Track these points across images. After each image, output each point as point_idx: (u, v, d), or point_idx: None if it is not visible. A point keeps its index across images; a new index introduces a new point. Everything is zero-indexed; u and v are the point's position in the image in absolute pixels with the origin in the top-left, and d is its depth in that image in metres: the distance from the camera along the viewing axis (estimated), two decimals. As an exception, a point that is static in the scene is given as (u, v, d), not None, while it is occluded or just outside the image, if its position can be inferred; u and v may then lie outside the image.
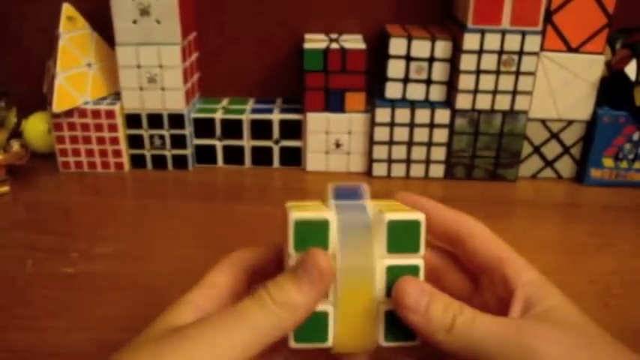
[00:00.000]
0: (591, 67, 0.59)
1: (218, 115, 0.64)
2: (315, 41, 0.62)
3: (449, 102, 0.62)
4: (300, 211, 0.27)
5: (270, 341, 0.25)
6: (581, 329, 0.26)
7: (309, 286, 0.26)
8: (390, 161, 0.64)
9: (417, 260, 0.28)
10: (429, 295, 0.27)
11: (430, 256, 0.31)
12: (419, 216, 0.27)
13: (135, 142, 0.64)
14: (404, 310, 0.26)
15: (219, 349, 0.24)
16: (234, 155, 0.65)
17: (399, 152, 0.63)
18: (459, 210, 0.32)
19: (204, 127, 0.64)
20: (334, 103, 0.62)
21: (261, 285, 0.26)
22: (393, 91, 0.62)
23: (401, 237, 0.27)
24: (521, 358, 0.24)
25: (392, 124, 0.62)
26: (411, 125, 0.62)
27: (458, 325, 0.26)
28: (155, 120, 0.63)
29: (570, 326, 0.26)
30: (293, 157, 0.65)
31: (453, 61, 0.60)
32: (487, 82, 0.59)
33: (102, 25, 0.62)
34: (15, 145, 0.61)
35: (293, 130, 0.64)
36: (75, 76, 0.62)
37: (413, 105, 0.61)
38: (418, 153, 0.63)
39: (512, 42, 0.58)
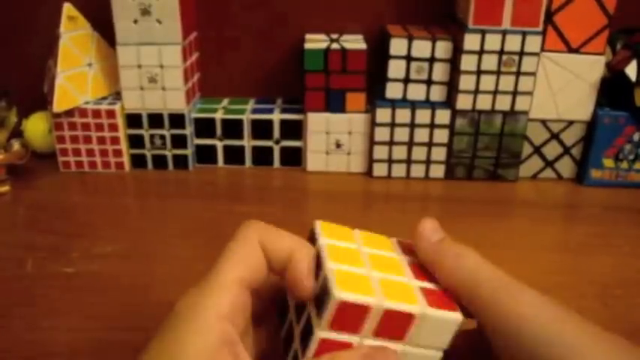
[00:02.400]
0: (592, 67, 0.59)
1: (218, 115, 0.64)
2: (315, 41, 0.62)
3: (449, 102, 0.62)
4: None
5: None
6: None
7: None
8: (390, 161, 0.64)
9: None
10: (443, 235, 0.29)
11: None
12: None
13: (135, 141, 0.64)
14: (416, 237, 0.28)
15: None
16: (234, 155, 0.65)
17: (400, 152, 0.63)
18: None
19: (204, 127, 0.64)
20: (335, 104, 0.62)
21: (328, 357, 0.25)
22: (393, 91, 0.62)
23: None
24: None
25: (392, 125, 0.62)
26: (412, 125, 0.62)
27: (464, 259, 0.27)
28: (156, 120, 0.63)
29: None
30: (293, 157, 0.65)
31: (454, 62, 0.60)
32: (487, 82, 0.59)
33: (103, 24, 0.62)
34: (15, 145, 0.61)
35: (293, 130, 0.64)
36: (75, 76, 0.62)
37: (413, 105, 0.61)
38: (418, 153, 0.63)
39: (513, 42, 0.58)
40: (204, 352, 0.23)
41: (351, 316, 0.25)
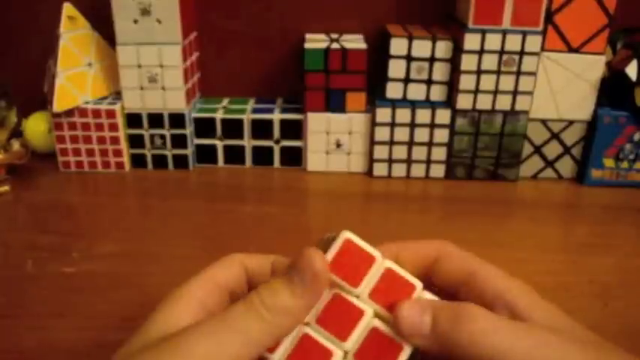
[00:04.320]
0: (592, 67, 0.59)
1: (219, 115, 0.64)
2: (315, 41, 0.62)
3: (449, 102, 0.62)
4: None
5: (264, 349, 0.24)
6: (571, 335, 0.25)
7: (302, 290, 0.24)
8: (390, 161, 0.64)
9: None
10: (431, 311, 0.24)
11: None
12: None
13: (135, 141, 0.64)
14: (410, 338, 0.24)
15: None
16: (234, 155, 0.65)
17: (400, 152, 0.63)
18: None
19: (204, 127, 0.64)
20: (335, 103, 0.62)
21: (253, 290, 0.25)
22: (393, 91, 0.62)
23: None
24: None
25: (392, 124, 0.62)
26: (412, 125, 0.62)
27: (475, 336, 0.23)
28: (156, 120, 0.63)
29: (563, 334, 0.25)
30: (293, 157, 0.65)
31: (454, 61, 0.60)
32: (488, 82, 0.59)
33: (103, 24, 0.62)
34: (15, 145, 0.61)
35: (293, 130, 0.64)
36: (75, 76, 0.62)
37: (413, 105, 0.61)
38: (419, 153, 0.63)
39: (513, 42, 0.58)
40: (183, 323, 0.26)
41: (355, 261, 0.26)
